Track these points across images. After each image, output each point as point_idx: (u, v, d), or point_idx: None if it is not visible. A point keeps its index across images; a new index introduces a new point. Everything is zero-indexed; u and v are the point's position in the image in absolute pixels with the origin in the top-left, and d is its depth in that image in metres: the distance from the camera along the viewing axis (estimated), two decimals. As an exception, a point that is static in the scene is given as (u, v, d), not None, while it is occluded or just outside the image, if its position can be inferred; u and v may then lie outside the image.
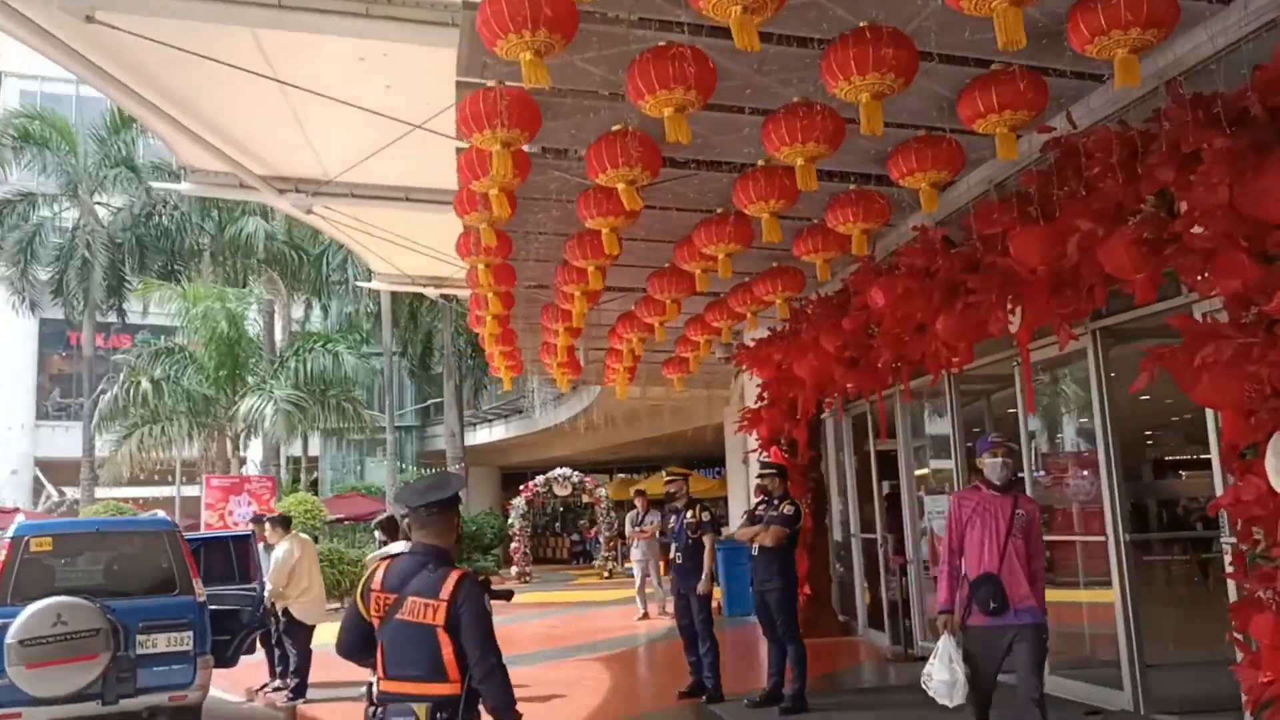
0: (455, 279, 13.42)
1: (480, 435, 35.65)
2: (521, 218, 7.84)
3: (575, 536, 35.30)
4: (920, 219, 8.42)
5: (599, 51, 5.64)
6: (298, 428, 23.11)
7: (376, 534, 10.21)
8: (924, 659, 9.40)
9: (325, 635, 9.79)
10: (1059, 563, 7.96)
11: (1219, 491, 5.89)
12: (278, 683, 9.70)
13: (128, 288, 27.12)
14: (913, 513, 9.81)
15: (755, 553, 7.62)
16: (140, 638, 7.00)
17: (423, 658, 3.31)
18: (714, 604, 13.44)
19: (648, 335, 11.10)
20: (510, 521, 26.37)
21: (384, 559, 3.71)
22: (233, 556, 8.95)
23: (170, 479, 24.92)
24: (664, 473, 8.92)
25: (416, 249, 11.94)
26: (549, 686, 8.96)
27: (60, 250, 27.36)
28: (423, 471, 36.52)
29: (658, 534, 13.84)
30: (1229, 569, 5.82)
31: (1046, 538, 7.86)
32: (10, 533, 7.26)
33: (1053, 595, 7.94)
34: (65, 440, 32.35)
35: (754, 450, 11.93)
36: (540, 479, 27.09)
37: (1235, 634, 4.83)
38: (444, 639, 3.31)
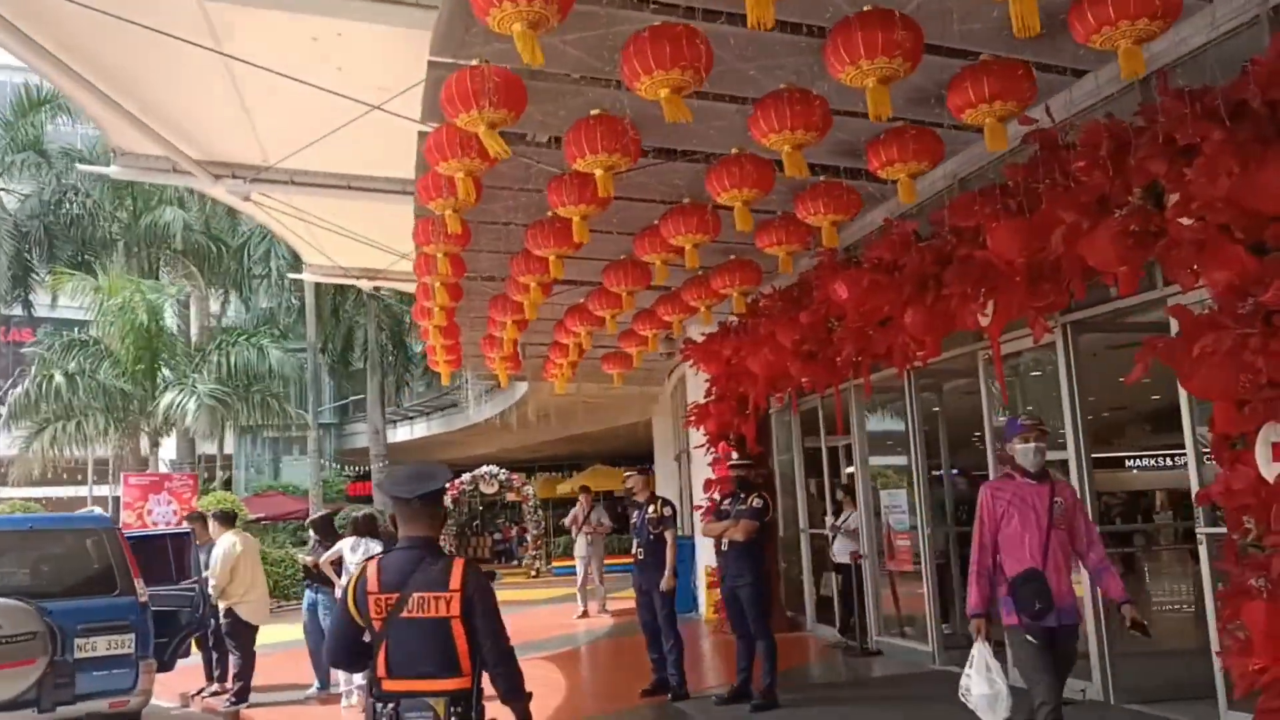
0: (391, 271, 13.06)
1: (401, 433, 34.95)
2: (476, 207, 7.59)
3: (496, 535, 34.88)
4: (885, 212, 8.45)
5: (576, 33, 5.46)
6: (221, 424, 22.23)
7: (311, 534, 9.83)
8: (878, 653, 9.60)
9: (267, 636, 9.49)
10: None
11: (1194, 484, 5.98)
12: (215, 687, 9.26)
13: (35, 279, 25.71)
14: (868, 507, 9.82)
15: (724, 548, 7.50)
16: (79, 641, 6.57)
17: (435, 653, 3.21)
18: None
19: (597, 329, 10.92)
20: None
21: (369, 559, 3.52)
22: (170, 555, 8.48)
23: (80, 478, 23.75)
24: (623, 470, 8.78)
25: (356, 239, 11.54)
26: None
27: (-39, 239, 25.87)
28: (344, 470, 35.76)
29: (601, 529, 13.70)
30: (1203, 559, 5.94)
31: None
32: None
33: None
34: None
35: (701, 445, 11.82)
36: (466, 477, 26.63)
37: (1225, 622, 4.86)
38: (458, 630, 3.23)
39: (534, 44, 4.40)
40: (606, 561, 15.33)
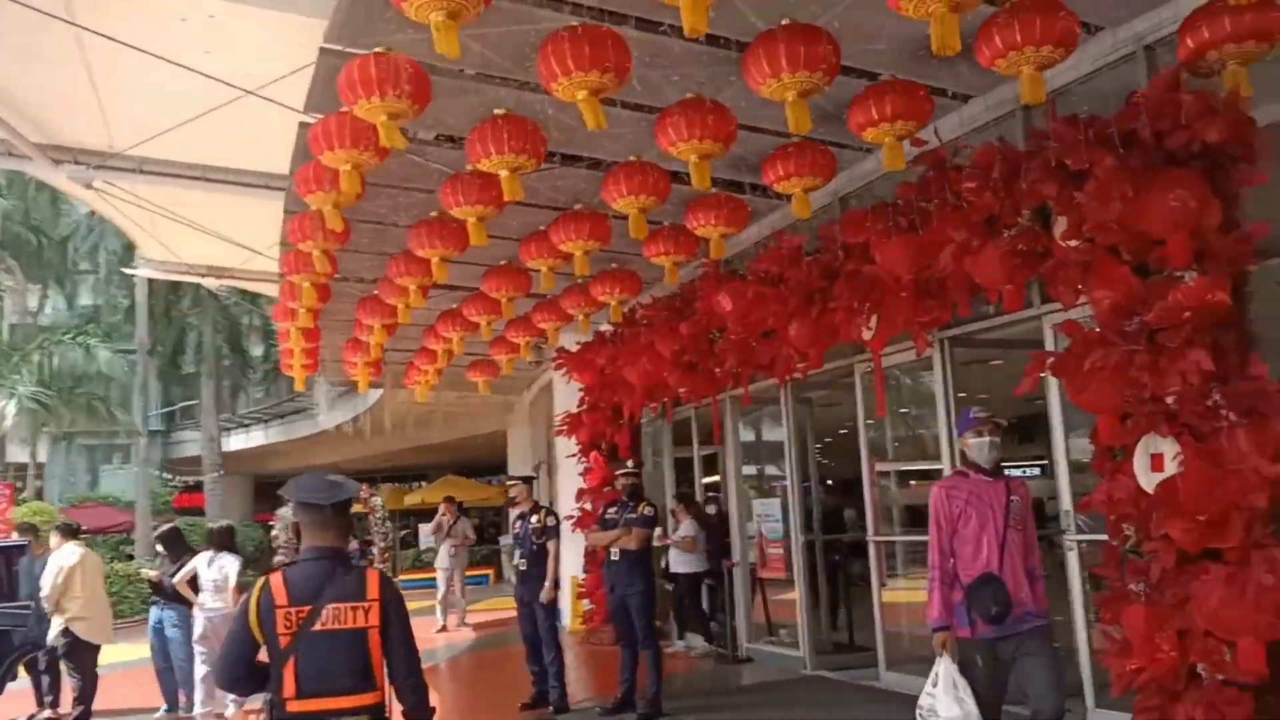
0: (241, 269, 12.39)
1: (236, 441, 33.24)
2: (355, 205, 7.28)
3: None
4: (766, 226, 8.60)
5: (477, 29, 5.29)
6: (40, 428, 20.53)
7: (159, 548, 9.17)
8: (749, 660, 9.72)
9: (106, 656, 8.74)
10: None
11: (1064, 493, 6.30)
12: (48, 713, 8.48)
13: None
14: (740, 516, 9.94)
15: (614, 558, 7.41)
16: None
17: (352, 666, 3.12)
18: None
19: (470, 334, 10.67)
20: (275, 533, 24.69)
21: (271, 571, 3.32)
22: (2, 571, 7.72)
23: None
24: (504, 477, 8.57)
25: (209, 234, 10.87)
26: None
27: None
28: (172, 480, 33.74)
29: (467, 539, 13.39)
30: (1074, 565, 6.26)
31: (899, 539, 8.24)
32: None
33: (900, 596, 8.33)
34: None
35: (572, 455, 11.72)
36: (310, 487, 25.56)
37: (1104, 625, 5.11)
38: (375, 641, 3.17)
39: (454, 36, 4.23)
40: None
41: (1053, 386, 6.09)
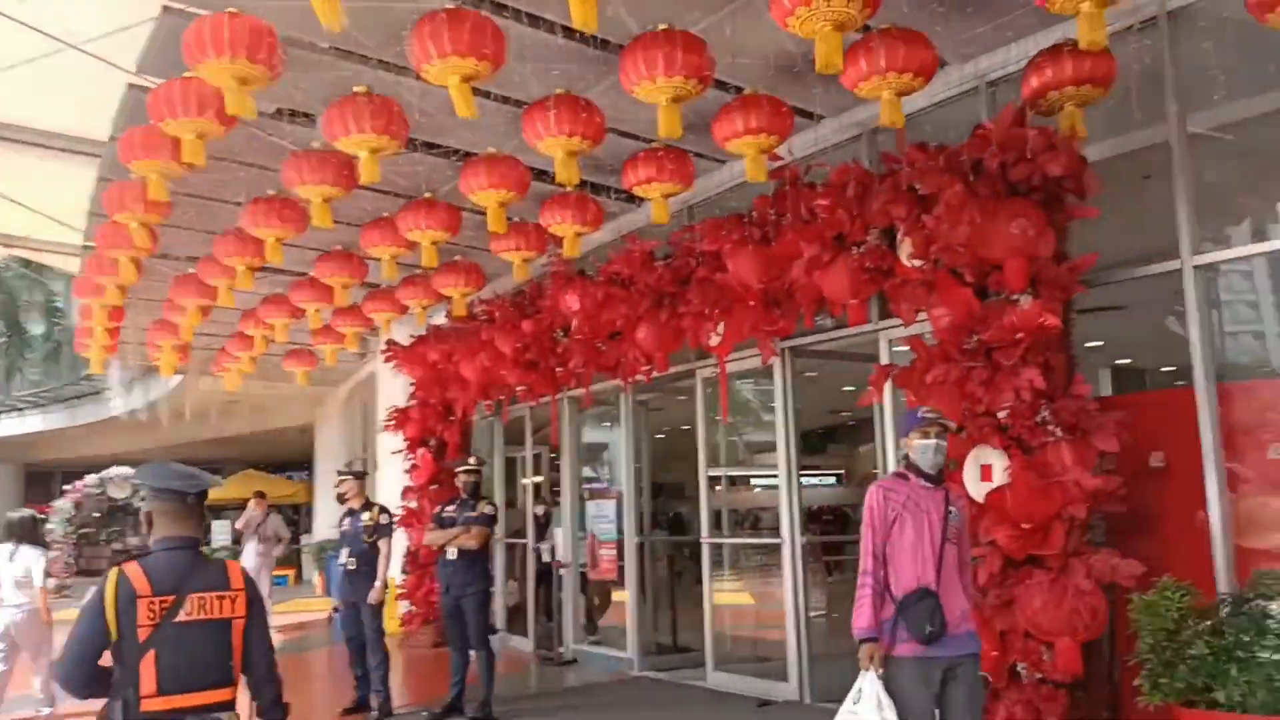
0: (34, 240, 11.35)
1: (6, 426, 30.34)
2: (182, 177, 6.80)
3: (118, 546, 31.28)
4: (614, 229, 8.64)
5: (349, 1, 5.06)
6: None
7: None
8: (573, 662, 9.69)
9: None
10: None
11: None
12: None
13: None
14: (572, 516, 9.93)
15: (451, 557, 7.21)
16: None
17: (216, 660, 2.99)
18: (330, 615, 12.63)
19: (295, 321, 10.18)
20: (51, 527, 22.80)
21: (125, 561, 3.04)
22: None
23: None
24: (336, 472, 8.16)
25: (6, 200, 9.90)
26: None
27: None
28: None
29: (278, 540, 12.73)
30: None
31: (723, 540, 8.42)
32: None
33: (732, 597, 8.51)
34: None
35: (398, 451, 11.36)
36: (93, 478, 23.72)
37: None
38: (239, 633, 3.05)
39: (335, 6, 4.02)
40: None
41: (887, 398, 6.36)
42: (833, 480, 22.97)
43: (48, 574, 7.21)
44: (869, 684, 3.94)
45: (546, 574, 10.16)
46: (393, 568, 8.30)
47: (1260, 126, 5.23)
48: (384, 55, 5.97)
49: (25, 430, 30.11)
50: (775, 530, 7.47)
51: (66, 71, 6.47)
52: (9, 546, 7.10)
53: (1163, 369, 7.82)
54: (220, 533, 25.20)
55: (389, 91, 5.91)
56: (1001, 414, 5.09)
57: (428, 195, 7.30)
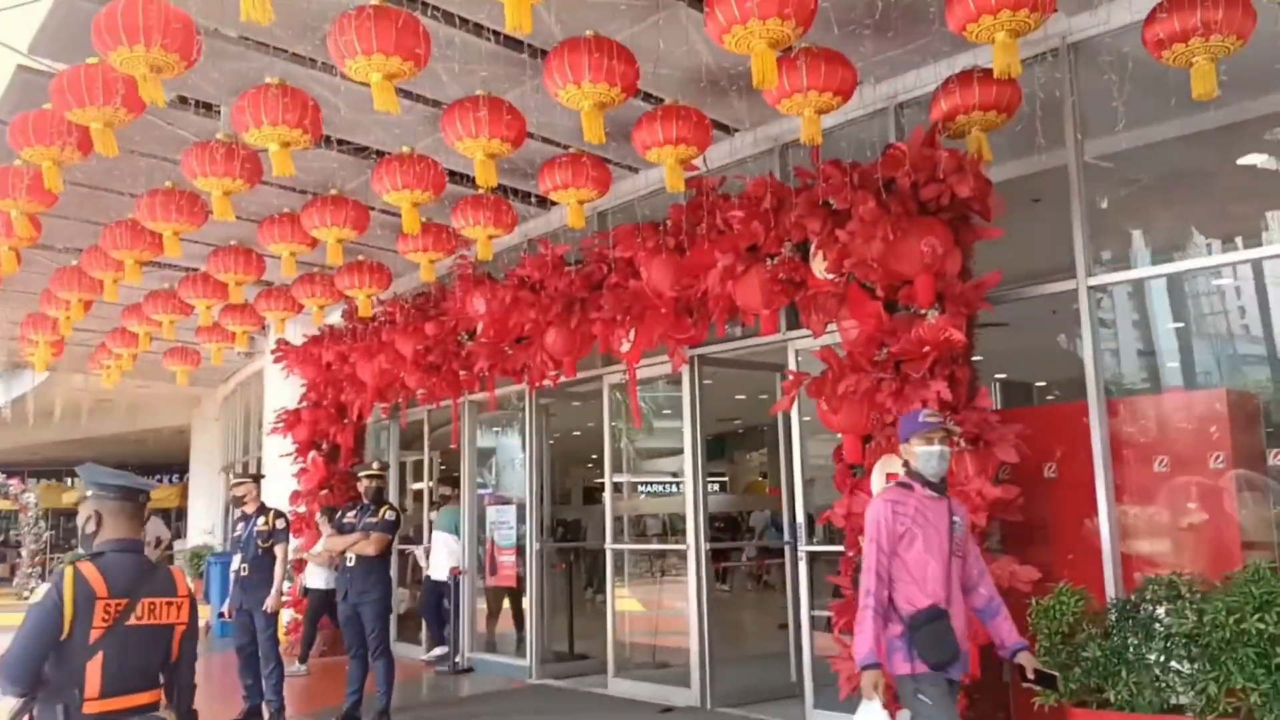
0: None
1: None
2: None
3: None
4: (526, 233, 8.60)
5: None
6: None
7: None
8: (470, 670, 9.54)
9: None
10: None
11: (799, 506, 6.74)
12: None
13: None
14: (473, 522, 9.80)
15: (349, 563, 7.03)
16: None
17: (153, 664, 3.02)
18: (203, 623, 12.10)
19: (183, 318, 9.76)
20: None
21: (76, 561, 3.00)
22: None
23: None
24: (232, 475, 7.88)
25: None
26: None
27: None
28: None
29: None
30: (802, 573, 6.71)
31: (629, 547, 8.43)
32: None
33: (625, 604, 8.51)
34: None
35: (287, 455, 11.00)
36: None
37: (838, 631, 5.54)
38: (178, 638, 3.07)
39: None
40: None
41: (796, 407, 6.48)
42: (716, 488, 23.30)
43: None
44: (874, 715, 3.60)
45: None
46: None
47: (1148, 157, 5.57)
48: (295, 48, 5.81)
49: None
50: (661, 536, 7.55)
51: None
52: None
53: (1038, 384, 8.19)
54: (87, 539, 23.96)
55: (299, 85, 5.74)
56: (908, 424, 5.25)
57: (333, 192, 7.11)
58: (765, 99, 5.11)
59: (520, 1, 3.95)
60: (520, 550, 9.14)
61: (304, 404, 10.87)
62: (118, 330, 11.02)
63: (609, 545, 8.14)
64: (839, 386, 5.34)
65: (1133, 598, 4.76)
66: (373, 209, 7.42)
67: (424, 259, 7.66)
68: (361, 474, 7.61)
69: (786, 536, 7.47)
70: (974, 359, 5.49)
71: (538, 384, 8.20)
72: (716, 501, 20.70)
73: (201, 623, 7.65)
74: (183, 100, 6.33)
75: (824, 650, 6.25)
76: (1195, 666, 4.37)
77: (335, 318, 10.57)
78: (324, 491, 10.64)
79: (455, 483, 9.92)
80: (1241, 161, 6.11)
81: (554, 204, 7.92)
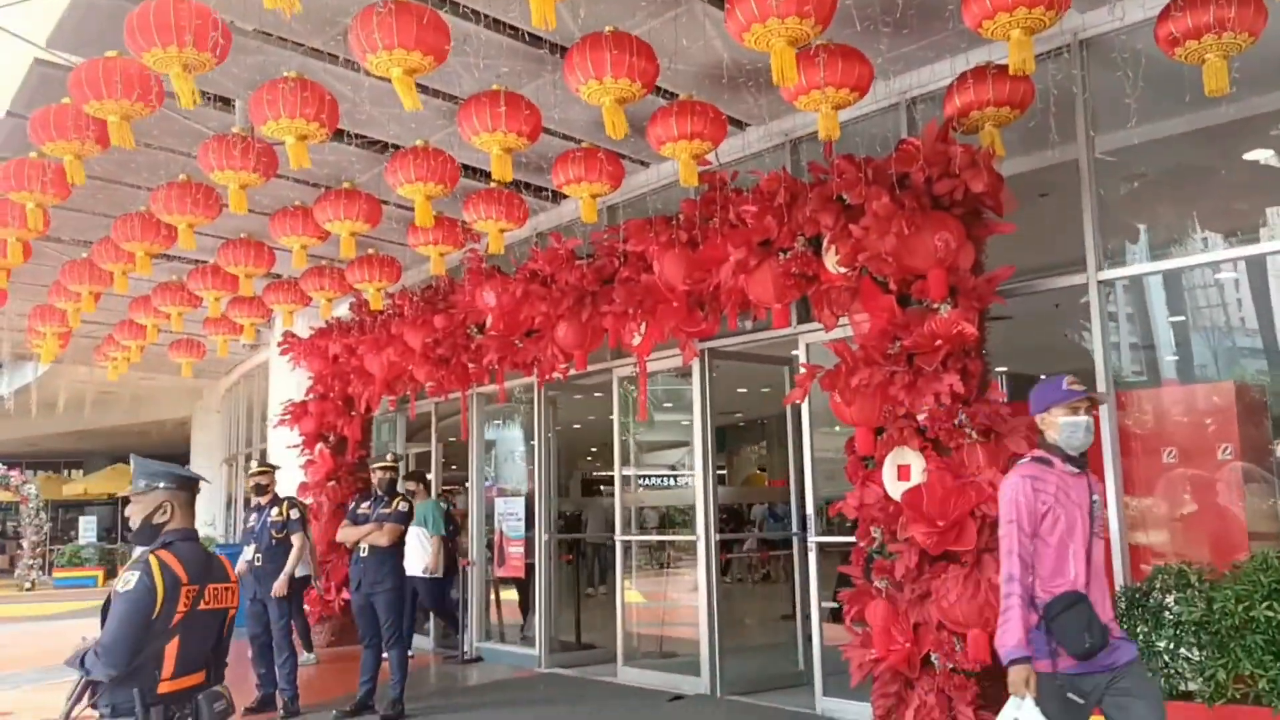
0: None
1: None
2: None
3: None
4: (536, 226, 8.64)
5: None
6: None
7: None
8: (479, 659, 9.61)
9: None
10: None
11: (809, 498, 6.79)
12: None
13: None
14: (480, 513, 9.87)
15: (363, 554, 7.09)
16: None
17: (209, 645, 3.20)
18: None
19: (191, 309, 9.80)
20: None
21: (152, 551, 3.10)
22: None
23: None
24: (255, 464, 7.94)
25: None
26: (48, 712, 7.38)
27: None
28: None
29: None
30: (812, 564, 6.78)
31: (639, 539, 8.50)
32: None
33: (630, 595, 8.58)
34: None
35: (294, 446, 11.05)
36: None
37: (850, 620, 5.61)
38: (229, 621, 3.27)
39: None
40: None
41: (808, 398, 6.54)
42: (671, 481, 23.32)
43: None
44: (1026, 714, 3.23)
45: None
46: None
47: (1158, 152, 5.63)
48: (312, 42, 5.86)
49: None
50: (659, 529, 7.61)
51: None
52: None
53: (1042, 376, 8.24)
54: (87, 529, 24.02)
55: (315, 79, 5.79)
56: (921, 416, 5.32)
57: (345, 185, 7.16)
58: (780, 94, 5.17)
59: (544, -5, 3.99)
60: (528, 542, 9.22)
61: (310, 396, 10.92)
62: (125, 322, 11.05)
63: (618, 537, 8.21)
64: (852, 380, 5.40)
65: (1142, 586, 4.84)
66: (385, 202, 7.46)
67: (434, 252, 7.69)
68: (375, 466, 7.68)
69: (795, 528, 7.56)
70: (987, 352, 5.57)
71: (548, 377, 8.25)
72: (719, 493, 20.78)
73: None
74: (202, 95, 6.38)
75: (832, 639, 6.33)
76: (1204, 654, 4.46)
77: (342, 310, 10.63)
78: (331, 483, 10.71)
79: (421, 477, 9.73)
80: (1247, 157, 6.18)
81: (564, 197, 8.01)
